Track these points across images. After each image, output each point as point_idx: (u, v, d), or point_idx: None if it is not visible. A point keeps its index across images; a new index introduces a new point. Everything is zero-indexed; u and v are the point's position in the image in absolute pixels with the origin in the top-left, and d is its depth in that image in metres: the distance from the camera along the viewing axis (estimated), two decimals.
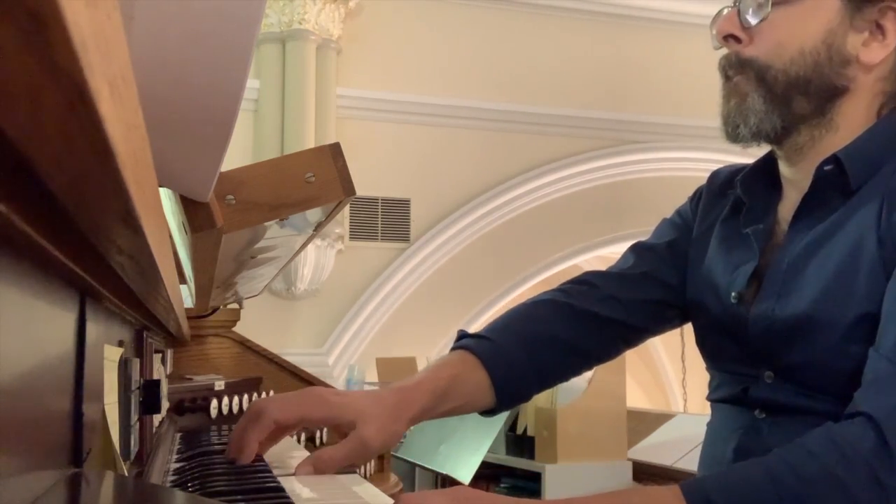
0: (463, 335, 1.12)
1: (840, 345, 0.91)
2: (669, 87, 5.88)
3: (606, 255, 6.37)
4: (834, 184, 0.96)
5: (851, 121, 0.98)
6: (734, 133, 1.01)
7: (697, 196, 1.20)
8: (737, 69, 1.01)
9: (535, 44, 5.79)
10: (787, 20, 0.98)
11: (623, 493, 0.97)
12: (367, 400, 0.99)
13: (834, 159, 0.96)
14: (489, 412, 1.12)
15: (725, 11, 1.03)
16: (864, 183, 0.95)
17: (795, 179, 1.03)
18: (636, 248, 1.20)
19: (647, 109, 5.92)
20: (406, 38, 5.51)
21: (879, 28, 0.96)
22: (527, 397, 1.14)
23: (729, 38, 1.01)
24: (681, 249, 1.16)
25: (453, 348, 1.11)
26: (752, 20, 0.99)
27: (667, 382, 7.99)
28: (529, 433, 2.94)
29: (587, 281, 1.17)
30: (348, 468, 0.96)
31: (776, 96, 0.98)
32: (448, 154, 5.57)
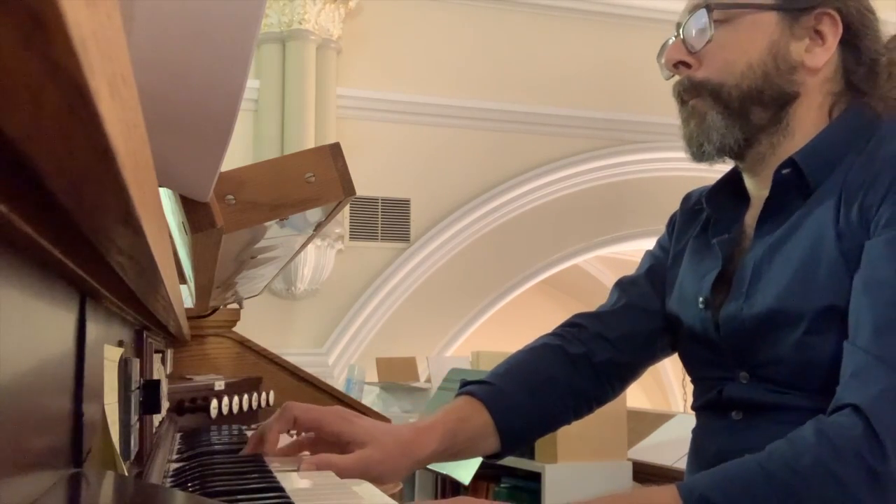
0: (466, 383, 1.15)
1: (806, 338, 0.93)
2: (669, 87, 5.88)
3: (606, 256, 6.38)
4: (793, 186, 0.99)
5: (805, 124, 1.02)
6: (699, 152, 1.05)
7: (672, 221, 1.23)
8: (691, 93, 1.05)
9: (535, 44, 5.79)
10: (730, 39, 1.02)
11: (621, 496, 0.98)
12: (383, 430, 1.03)
13: (790, 162, 0.99)
14: (495, 456, 1.14)
15: (671, 41, 1.07)
16: (822, 182, 0.97)
17: (759, 189, 1.06)
18: (619, 284, 1.24)
19: (646, 109, 5.91)
20: (406, 38, 5.51)
21: (818, 33, 1.00)
22: (530, 440, 1.17)
23: (678, 64, 1.05)
24: (659, 274, 1.20)
25: (457, 395, 1.13)
26: (697, 45, 1.03)
27: (667, 382, 7.99)
28: None
29: (576, 323, 1.19)
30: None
31: (733, 110, 1.02)
32: (448, 154, 5.57)
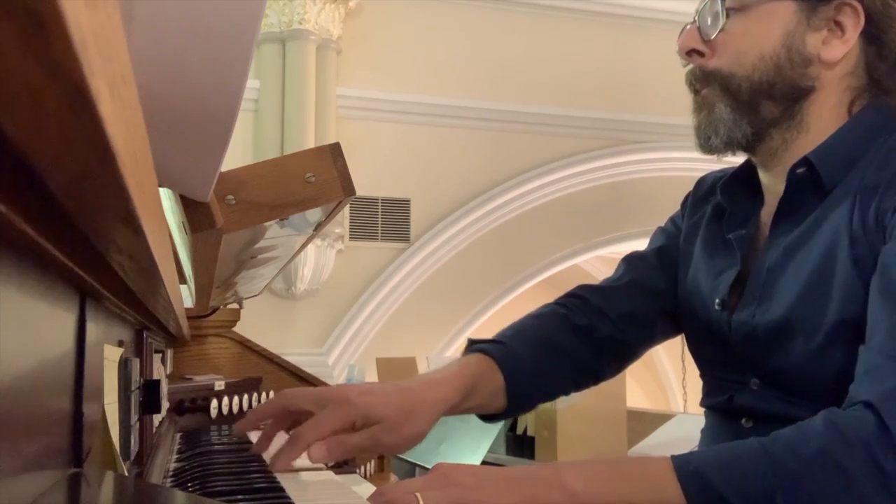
0: (474, 341, 1.13)
1: (820, 350, 0.90)
2: (669, 87, 5.85)
3: (606, 255, 6.38)
4: (808, 186, 0.96)
5: (821, 120, 0.98)
6: (707, 144, 1.02)
7: (686, 201, 1.21)
8: (702, 82, 1.02)
9: (535, 44, 5.79)
10: (744, 28, 0.99)
11: (614, 459, 0.96)
12: (392, 399, 0.96)
13: (805, 161, 0.96)
14: (495, 416, 1.12)
15: (687, 27, 1.04)
16: (839, 182, 0.94)
17: (773, 185, 1.03)
18: (627, 259, 1.21)
19: (646, 109, 5.92)
20: (406, 38, 5.51)
21: (838, 25, 0.96)
22: (531, 405, 1.15)
23: (692, 52, 1.02)
24: (670, 254, 1.17)
25: (467, 352, 1.10)
26: (711, 32, 1.00)
27: (667, 382, 7.99)
28: (529, 433, 2.94)
29: (579, 295, 1.17)
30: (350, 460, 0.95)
31: (742, 104, 0.99)
32: (448, 154, 5.57)
